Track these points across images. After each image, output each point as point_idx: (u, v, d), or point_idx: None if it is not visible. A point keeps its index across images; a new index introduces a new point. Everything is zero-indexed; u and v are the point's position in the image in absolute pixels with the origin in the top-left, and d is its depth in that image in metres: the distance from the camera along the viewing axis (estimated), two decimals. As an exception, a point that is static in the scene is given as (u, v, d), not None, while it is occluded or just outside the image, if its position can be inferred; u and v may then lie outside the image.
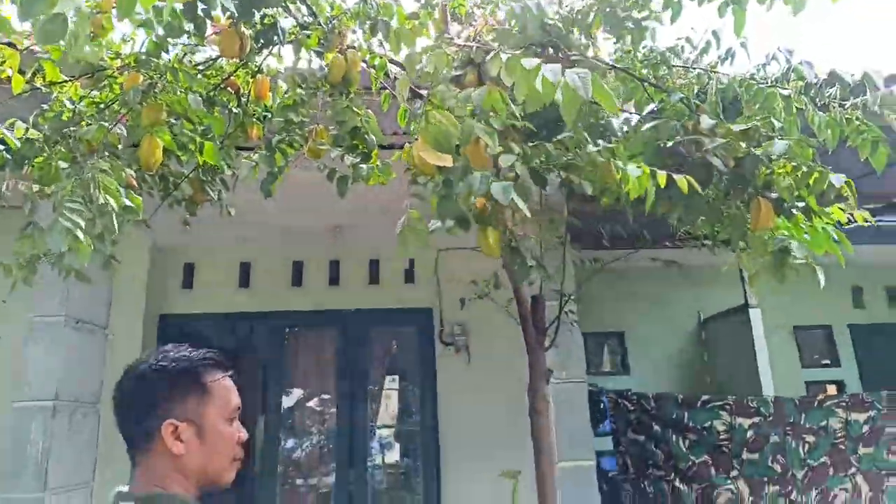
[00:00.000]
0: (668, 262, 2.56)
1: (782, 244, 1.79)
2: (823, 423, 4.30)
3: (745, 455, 4.21)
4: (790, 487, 4.19)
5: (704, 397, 4.34)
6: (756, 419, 4.27)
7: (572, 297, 2.81)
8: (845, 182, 1.80)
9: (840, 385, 7.96)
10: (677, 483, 4.17)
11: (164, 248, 6.11)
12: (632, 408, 4.28)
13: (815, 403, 4.35)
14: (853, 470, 4.24)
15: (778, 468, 4.22)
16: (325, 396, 6.11)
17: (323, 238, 5.57)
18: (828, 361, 9.07)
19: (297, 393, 6.04)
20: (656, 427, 4.24)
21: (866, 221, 2.27)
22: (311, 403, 6.13)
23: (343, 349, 6.05)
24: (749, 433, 4.24)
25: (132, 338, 5.67)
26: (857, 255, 8.25)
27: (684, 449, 4.22)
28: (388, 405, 6.42)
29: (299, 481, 5.97)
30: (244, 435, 1.33)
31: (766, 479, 4.20)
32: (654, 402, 4.28)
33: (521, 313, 2.62)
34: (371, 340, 6.19)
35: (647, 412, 4.26)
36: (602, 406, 4.35)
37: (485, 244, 1.53)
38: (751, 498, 4.15)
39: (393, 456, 6.21)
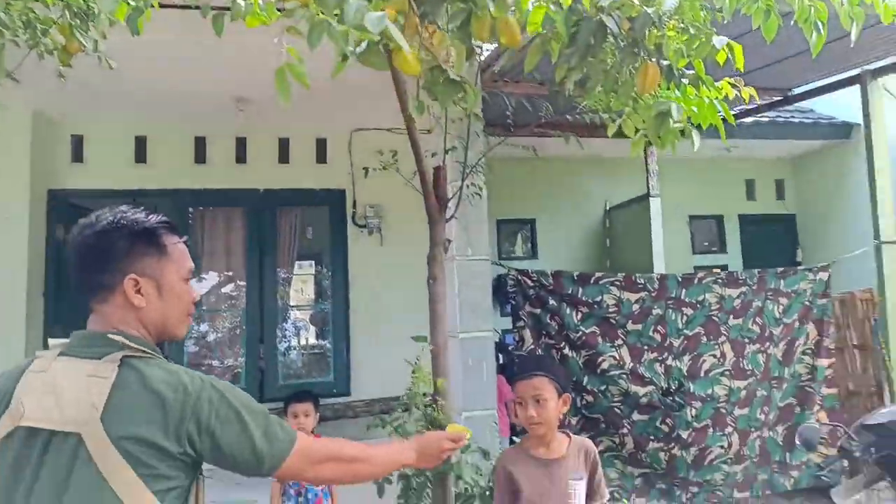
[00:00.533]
0: (567, 137, 2.59)
1: (663, 107, 1.85)
2: (701, 297, 4.71)
3: (629, 326, 4.58)
4: (666, 354, 4.63)
5: (598, 274, 4.63)
6: (642, 294, 4.62)
7: (476, 169, 2.84)
8: (728, 44, 1.84)
9: (725, 269, 8.62)
10: (566, 350, 4.51)
11: (49, 118, 5.62)
12: (531, 284, 4.50)
13: (696, 280, 4.74)
14: (722, 339, 4.72)
15: (658, 337, 4.63)
16: (235, 279, 6.05)
17: (228, 113, 5.28)
18: (716, 248, 9.79)
19: (205, 275, 5.94)
20: (552, 301, 4.51)
21: (752, 99, 2.34)
22: (219, 285, 6.06)
23: (252, 231, 5.94)
24: (635, 306, 4.60)
25: (19, 213, 5.32)
26: (751, 149, 8.79)
27: (576, 320, 4.53)
28: (300, 287, 6.45)
29: (214, 363, 6.02)
30: (197, 294, 1.45)
31: (646, 346, 4.61)
32: (552, 278, 4.52)
33: (423, 184, 2.63)
34: (281, 222, 6.10)
35: (545, 288, 4.51)
36: (509, 290, 4.56)
37: (402, 63, 1.45)
38: (630, 363, 4.57)
39: (304, 336, 6.33)
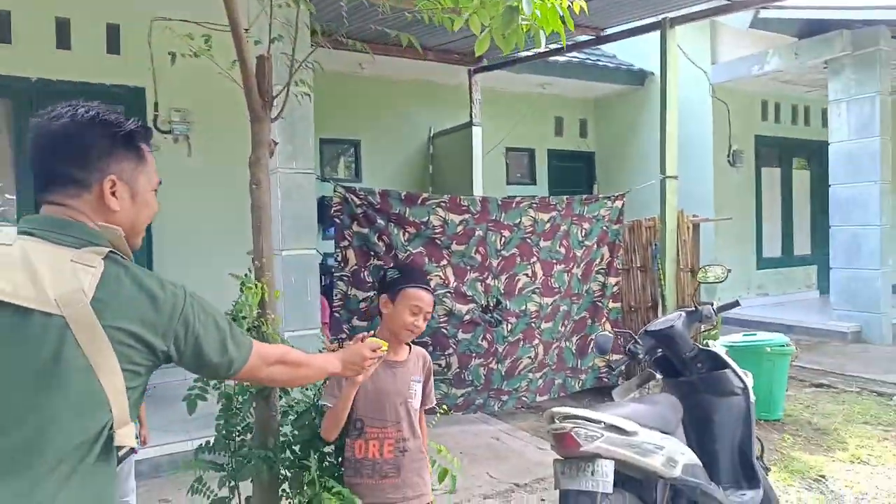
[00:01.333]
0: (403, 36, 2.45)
1: (512, 1, 1.85)
2: (518, 220, 5.01)
3: (453, 246, 4.75)
4: (486, 273, 4.90)
5: (424, 195, 4.69)
6: (466, 216, 4.79)
7: (305, 65, 2.63)
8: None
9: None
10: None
11: None
12: (358, 202, 4.43)
13: (514, 204, 5.02)
14: (534, 259, 5.10)
15: (479, 257, 4.87)
16: (2, 191, 5.14)
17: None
18: (527, 180, 10.47)
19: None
20: (380, 220, 4.49)
21: (568, 34, 2.41)
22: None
23: (23, 128, 5.05)
24: (459, 227, 4.76)
25: None
26: (562, 88, 9.37)
27: (403, 240, 4.58)
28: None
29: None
30: (157, 208, 1.42)
31: (468, 266, 4.83)
32: (380, 197, 4.49)
33: (245, 73, 2.37)
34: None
35: (373, 206, 4.46)
36: (333, 208, 4.43)
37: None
38: (454, 282, 4.77)
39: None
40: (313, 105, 3.98)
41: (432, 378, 2.40)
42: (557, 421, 2.66)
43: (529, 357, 5.15)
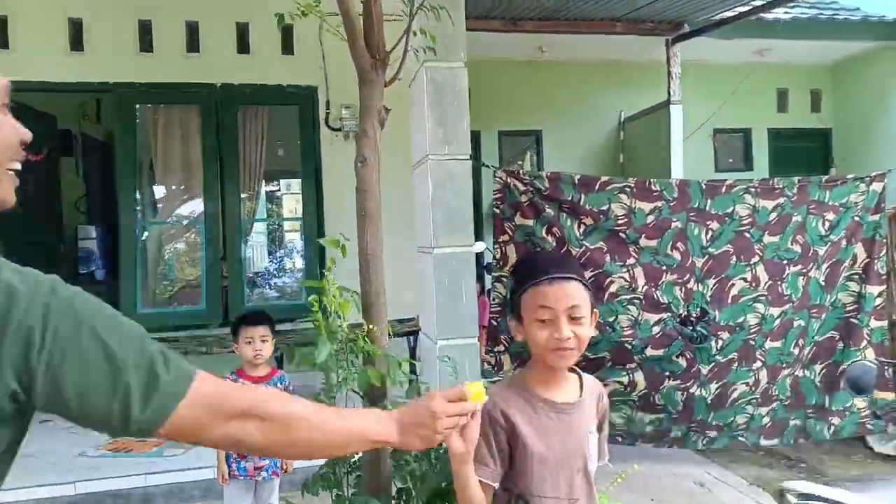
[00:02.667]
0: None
1: None
2: (730, 209, 3.91)
3: (642, 241, 3.82)
4: (688, 276, 3.89)
5: (604, 178, 3.82)
6: (658, 203, 3.83)
7: (432, 10, 2.02)
8: None
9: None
10: (567, 271, 3.78)
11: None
12: (522, 188, 3.72)
13: (723, 189, 3.92)
14: (755, 259, 3.96)
15: (678, 256, 3.88)
16: (192, 188, 5.30)
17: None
18: (742, 165, 8.90)
19: (157, 180, 5.20)
20: (549, 210, 3.74)
21: None
22: (173, 192, 5.33)
23: (209, 131, 5.15)
24: (649, 218, 3.82)
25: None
26: (786, 53, 7.55)
27: (578, 234, 3.78)
28: (266, 199, 5.71)
29: (169, 277, 5.39)
30: (26, 134, 0.93)
31: (664, 267, 3.86)
32: (549, 181, 3.73)
33: (347, 24, 1.83)
34: (242, 123, 5.28)
35: (540, 193, 3.72)
36: (494, 195, 3.79)
37: None
38: (644, 286, 3.84)
39: (272, 255, 5.65)
40: (489, 96, 3.37)
41: (608, 419, 1.58)
42: (791, 499, 1.74)
43: (747, 383, 4.01)
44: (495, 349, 3.93)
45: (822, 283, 4.09)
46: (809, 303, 4.07)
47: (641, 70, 7.84)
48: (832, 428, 4.14)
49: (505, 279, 3.88)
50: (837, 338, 4.15)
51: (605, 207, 3.77)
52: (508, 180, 3.72)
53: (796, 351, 4.10)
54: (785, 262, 3.97)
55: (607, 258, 3.79)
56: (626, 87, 8.18)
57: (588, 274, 3.78)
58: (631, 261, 3.81)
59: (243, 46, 5.29)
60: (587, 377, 1.52)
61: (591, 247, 3.77)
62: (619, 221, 3.79)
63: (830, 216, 4.03)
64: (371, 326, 1.84)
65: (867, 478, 3.91)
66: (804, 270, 4.00)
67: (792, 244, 3.98)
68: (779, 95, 8.88)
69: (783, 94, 8.89)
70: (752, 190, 3.94)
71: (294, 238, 5.46)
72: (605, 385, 3.94)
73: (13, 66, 4.93)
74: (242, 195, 5.31)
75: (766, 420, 4.12)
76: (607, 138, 8.41)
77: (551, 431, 1.40)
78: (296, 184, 5.52)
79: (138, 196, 4.97)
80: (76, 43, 5.02)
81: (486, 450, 1.36)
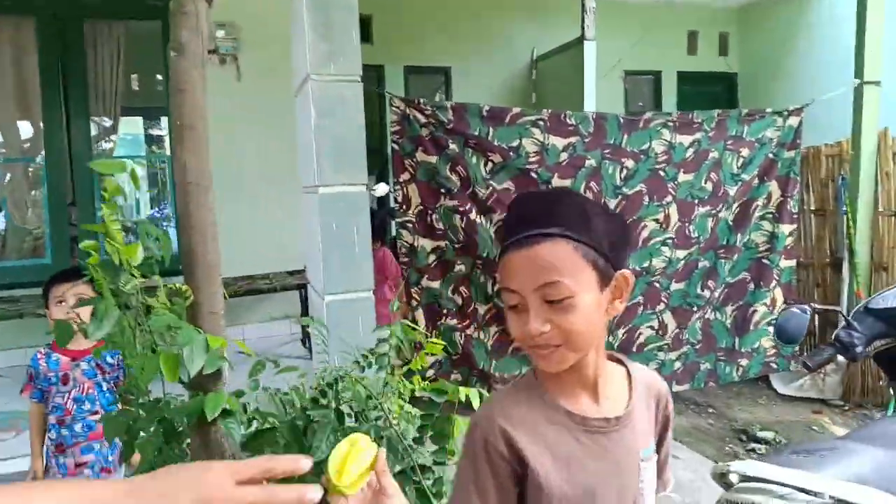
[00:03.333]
0: None
1: None
2: (646, 145, 3.63)
3: (554, 180, 3.47)
4: (599, 218, 3.60)
5: (516, 110, 3.42)
6: (573, 139, 3.48)
7: None
8: None
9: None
10: (472, 214, 3.38)
11: None
12: (424, 120, 3.26)
13: (641, 123, 3.63)
14: (668, 199, 3.72)
15: (590, 196, 3.57)
16: (28, 118, 4.42)
17: None
18: (651, 108, 8.78)
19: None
20: (453, 145, 3.30)
21: None
22: (4, 122, 4.44)
23: (48, 51, 4.28)
24: (563, 155, 3.47)
25: None
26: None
27: (484, 172, 3.38)
28: (125, 136, 4.90)
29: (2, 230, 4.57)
30: None
31: (574, 208, 3.55)
32: (453, 113, 3.28)
33: None
34: (91, 41, 4.44)
35: (444, 126, 3.28)
36: (391, 128, 3.29)
37: None
38: (555, 230, 3.52)
39: (136, 200, 4.90)
40: (397, 29, 2.81)
41: (671, 425, 1.03)
42: (733, 481, 1.46)
43: (652, 327, 3.84)
44: (410, 303, 3.51)
45: (731, 224, 3.93)
46: (717, 244, 3.91)
47: (555, 4, 7.46)
48: (740, 369, 4.06)
49: (410, 224, 3.44)
50: (749, 279, 4.04)
51: (515, 143, 3.38)
52: (407, 111, 3.24)
53: (706, 293, 3.96)
54: (696, 201, 3.76)
55: (516, 199, 3.42)
56: (540, 23, 7.80)
57: (495, 219, 3.42)
58: (542, 202, 3.46)
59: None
60: (638, 369, 0.99)
61: (499, 187, 3.39)
62: (531, 159, 3.42)
63: (745, 152, 3.84)
64: (182, 287, 1.35)
65: (770, 422, 3.87)
66: (713, 211, 3.82)
67: (705, 182, 3.77)
68: (689, 37, 8.77)
69: (693, 36, 8.79)
70: (671, 124, 3.67)
71: (164, 182, 4.73)
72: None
73: None
74: (94, 131, 4.50)
75: (677, 365, 3.99)
76: (519, 76, 8.04)
77: (582, 462, 0.88)
78: (159, 115, 4.73)
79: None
80: None
81: (476, 495, 0.86)
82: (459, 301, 3.53)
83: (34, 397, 2.09)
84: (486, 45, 7.65)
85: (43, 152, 4.29)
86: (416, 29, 7.26)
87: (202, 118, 1.44)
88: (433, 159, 3.31)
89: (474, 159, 3.35)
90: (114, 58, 4.44)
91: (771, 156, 3.93)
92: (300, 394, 1.54)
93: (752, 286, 4.03)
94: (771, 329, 3.92)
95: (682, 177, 3.71)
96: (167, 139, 4.77)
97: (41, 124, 4.28)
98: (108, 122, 4.58)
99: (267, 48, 4.71)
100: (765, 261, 4.02)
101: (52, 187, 4.26)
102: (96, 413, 2.08)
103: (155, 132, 4.98)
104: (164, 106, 4.66)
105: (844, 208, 4.12)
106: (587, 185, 3.55)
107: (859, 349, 2.12)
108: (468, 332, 3.56)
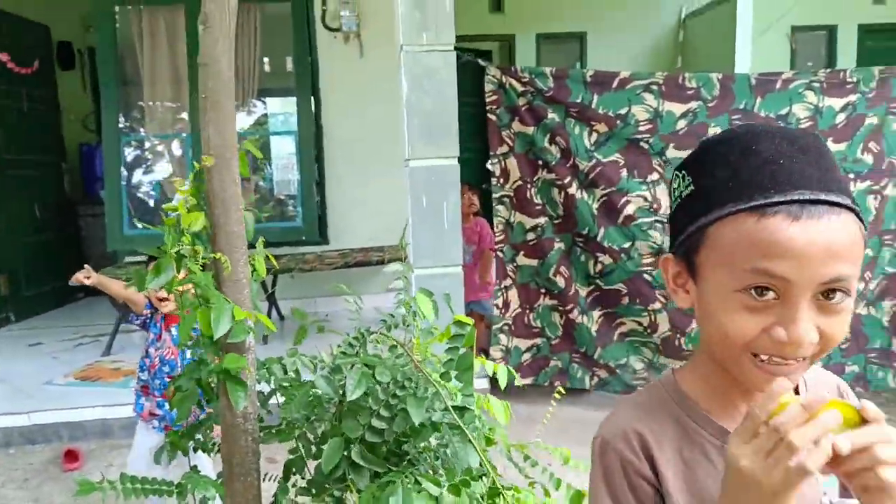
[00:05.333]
0: None
1: None
2: (785, 110, 3.14)
3: (669, 152, 3.13)
4: (723, 194, 3.20)
5: (624, 74, 3.11)
6: (693, 104, 3.10)
7: None
8: None
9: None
10: (572, 189, 3.15)
11: None
12: (521, 89, 3.07)
13: (779, 84, 3.14)
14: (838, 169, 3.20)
15: (711, 170, 3.18)
16: (179, 97, 4.86)
17: None
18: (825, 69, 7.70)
19: (143, 91, 4.79)
20: (552, 115, 3.09)
21: None
22: (159, 105, 4.91)
23: (194, 37, 4.64)
24: (680, 122, 3.11)
25: None
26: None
27: (588, 144, 3.13)
28: (253, 106, 5.19)
29: (153, 198, 5.08)
30: None
31: (693, 183, 3.18)
32: (553, 80, 3.06)
33: None
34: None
35: (543, 94, 3.07)
36: (486, 98, 3.15)
37: None
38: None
39: (264, 175, 5.19)
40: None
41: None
42: None
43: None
44: (503, 284, 3.39)
45: (902, 204, 3.30)
46: (882, 227, 3.30)
47: (706, -43, 6.76)
48: (899, 377, 3.44)
49: (507, 199, 3.30)
50: None
51: (623, 111, 3.09)
52: (504, 79, 3.08)
53: (860, 286, 3.38)
54: (852, 175, 3.19)
55: (623, 173, 3.13)
56: (688, -21, 7.12)
57: (599, 194, 3.16)
58: (654, 177, 3.14)
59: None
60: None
61: (604, 160, 3.12)
62: (641, 127, 3.10)
63: (919, 117, 3.19)
64: (219, 255, 1.35)
65: None
66: (876, 187, 3.22)
67: (863, 153, 3.19)
68: (876, -17, 7.52)
69: (882, -18, 7.53)
70: (817, 84, 3.15)
71: (289, 157, 4.98)
72: (620, 324, 3.41)
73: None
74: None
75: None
76: (664, 39, 7.42)
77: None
78: (290, 91, 4.95)
79: (121, 109, 4.60)
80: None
81: None
82: (561, 282, 3.33)
83: (138, 319, 2.26)
84: (627, 5, 7.12)
85: (190, 133, 4.69)
86: (549, -6, 6.93)
87: (227, 92, 1.42)
88: (530, 130, 3.13)
89: (576, 129, 3.11)
90: (251, 37, 4.73)
91: (953, 120, 3.23)
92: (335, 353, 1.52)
93: None
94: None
95: (830, 146, 3.17)
96: (289, 108, 5.00)
97: (188, 107, 4.68)
98: (245, 99, 4.90)
99: (386, 23, 4.74)
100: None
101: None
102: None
103: (277, 104, 5.26)
104: (291, 79, 4.89)
105: None
106: (709, 156, 3.16)
107: None
108: (570, 315, 3.36)
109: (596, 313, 3.37)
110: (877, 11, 7.57)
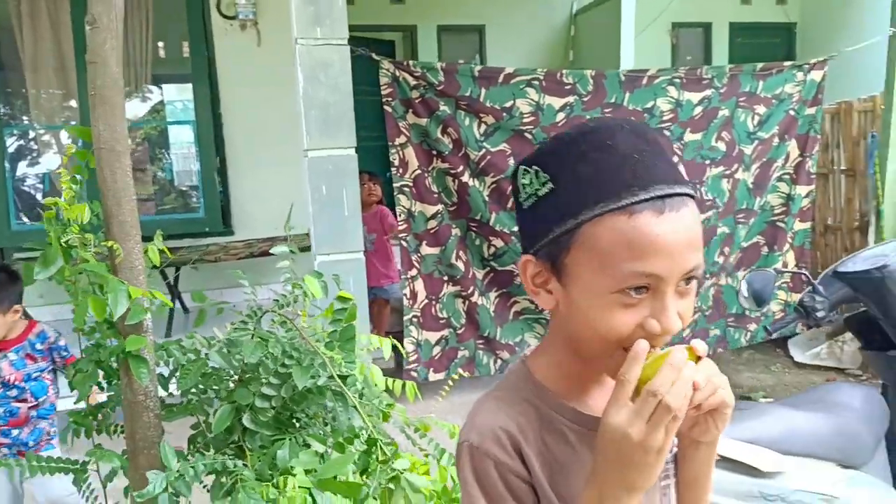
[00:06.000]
0: None
1: None
2: (650, 103, 3.50)
3: (551, 142, 3.42)
4: (599, 180, 3.52)
5: (508, 70, 3.36)
6: (570, 98, 3.40)
7: None
8: None
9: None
10: (465, 177, 3.38)
11: None
12: (413, 83, 3.25)
13: (645, 80, 3.50)
14: (674, 159, 3.59)
15: (588, 157, 3.49)
16: (65, 83, 4.67)
17: None
18: (701, 63, 8.36)
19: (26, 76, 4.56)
20: (444, 107, 3.29)
21: None
22: (52, 92, 4.71)
23: (77, 19, 4.49)
24: (559, 115, 3.40)
25: None
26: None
27: (477, 134, 3.36)
28: (152, 102, 5.11)
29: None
30: None
31: (572, 170, 3.49)
32: (443, 74, 3.26)
33: None
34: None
35: (434, 88, 3.27)
36: (382, 90, 3.30)
37: None
38: (552, 192, 3.47)
39: (166, 166, 5.11)
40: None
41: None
42: None
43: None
44: (409, 274, 3.52)
45: (751, 186, 3.77)
46: (736, 207, 3.76)
47: (598, -46, 7.14)
48: (748, 334, 3.95)
49: (409, 189, 3.47)
50: (762, 243, 3.88)
51: (508, 104, 3.34)
52: (397, 73, 3.25)
53: (721, 259, 3.84)
54: (707, 161, 3.62)
55: (511, 161, 3.39)
56: (579, -24, 7.51)
57: (489, 181, 3.41)
58: (537, 164, 3.42)
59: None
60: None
61: (493, 149, 3.37)
62: (525, 119, 3.37)
63: (761, 110, 3.64)
64: (112, 243, 1.45)
65: (776, 388, 3.76)
66: (728, 172, 3.66)
67: (716, 142, 3.61)
68: (743, -17, 8.25)
69: (747, -17, 8.26)
70: (677, 81, 3.52)
71: (188, 147, 4.93)
72: (514, 303, 3.68)
73: None
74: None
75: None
76: (557, 33, 7.80)
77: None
78: (185, 81, 4.90)
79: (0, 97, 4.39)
80: None
81: None
82: (461, 266, 3.54)
83: None
84: (523, 0, 7.43)
85: (78, 120, 4.54)
86: (446, -9, 7.12)
87: (116, 88, 1.51)
88: (424, 121, 3.32)
89: (466, 121, 3.34)
90: (143, 23, 4.62)
91: (792, 113, 3.71)
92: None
93: (765, 250, 3.87)
94: (780, 293, 3.77)
95: (688, 136, 3.58)
96: (185, 96, 4.95)
97: (76, 95, 4.53)
98: (137, 87, 4.78)
99: (284, 13, 4.78)
100: (779, 223, 3.85)
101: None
102: (24, 401, 2.15)
103: (173, 93, 5.18)
104: (187, 67, 4.81)
105: (874, 169, 3.87)
106: (586, 145, 3.47)
107: (821, 314, 2.04)
108: (472, 298, 3.57)
109: (493, 294, 3.63)
110: (745, 11, 8.32)
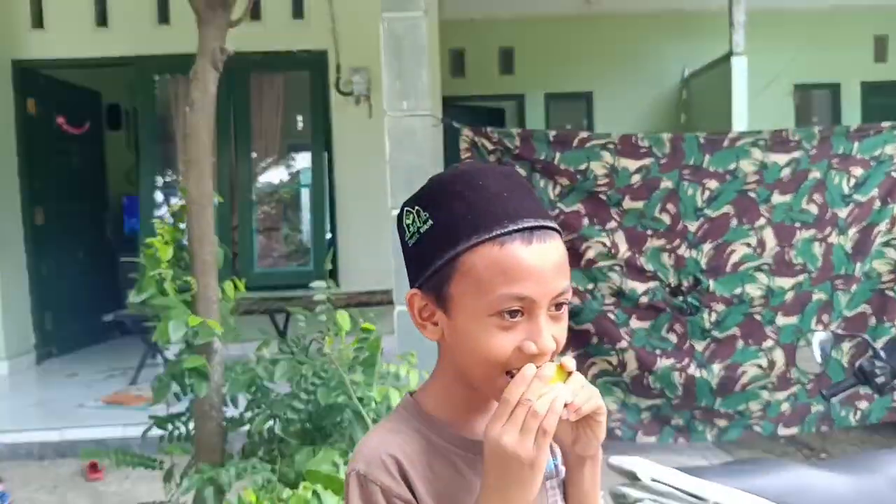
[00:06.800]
0: None
1: None
2: (733, 165, 3.46)
3: (626, 203, 3.47)
4: (678, 241, 3.50)
5: (583, 135, 3.50)
6: (646, 161, 3.46)
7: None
8: None
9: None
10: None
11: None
12: (491, 147, 3.48)
13: (726, 142, 3.48)
14: (761, 222, 3.49)
15: (667, 219, 3.50)
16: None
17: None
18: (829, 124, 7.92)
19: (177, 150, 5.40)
20: (520, 169, 3.48)
21: None
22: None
23: (223, 99, 5.26)
24: (635, 177, 3.46)
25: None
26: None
27: (552, 195, 3.50)
28: (277, 167, 5.76)
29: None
30: None
31: (649, 231, 3.50)
32: (520, 139, 3.47)
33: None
34: (253, 90, 5.36)
35: (510, 153, 3.47)
36: (461, 156, 3.58)
37: None
38: (627, 252, 3.50)
39: (282, 222, 5.70)
40: (534, 54, 3.19)
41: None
42: (645, 481, 1.53)
43: (759, 366, 3.57)
44: None
45: (849, 251, 3.54)
46: (832, 273, 3.54)
47: (708, 18, 7.14)
48: (858, 413, 3.61)
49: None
50: (869, 312, 3.60)
51: (583, 167, 3.46)
52: (476, 139, 3.50)
53: (820, 328, 3.59)
54: (797, 225, 3.47)
55: (585, 221, 3.49)
56: (692, 40, 7.50)
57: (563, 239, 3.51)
58: (612, 224, 3.48)
59: (254, 13, 5.34)
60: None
61: (567, 210, 3.49)
62: (600, 182, 3.46)
63: (858, 171, 3.47)
64: (190, 279, 1.77)
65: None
66: (821, 236, 3.48)
67: (807, 204, 3.47)
68: (876, 43, 7.80)
69: (881, 41, 7.80)
70: (762, 143, 3.46)
71: (304, 206, 5.50)
72: (591, 364, 3.68)
73: (48, 44, 5.29)
74: (253, 162, 5.41)
75: (784, 407, 3.67)
76: (668, 98, 7.80)
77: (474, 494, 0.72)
78: (307, 149, 5.53)
79: (159, 165, 5.21)
80: (101, 17, 5.29)
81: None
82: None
83: None
84: (631, 66, 7.55)
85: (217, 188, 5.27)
86: (558, 55, 7.39)
87: (206, 155, 1.87)
88: (500, 184, 3.52)
89: (541, 183, 3.49)
90: (273, 103, 5.35)
91: (893, 174, 3.49)
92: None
93: (872, 320, 3.58)
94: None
95: (776, 198, 3.47)
96: (304, 164, 5.54)
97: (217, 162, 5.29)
98: (261, 150, 5.48)
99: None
100: (888, 292, 3.55)
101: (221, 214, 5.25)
102: None
103: (294, 161, 5.82)
104: (308, 138, 5.43)
105: None
106: (663, 206, 3.49)
107: (881, 379, 1.94)
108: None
109: (569, 354, 3.66)
110: (878, 70, 7.83)
